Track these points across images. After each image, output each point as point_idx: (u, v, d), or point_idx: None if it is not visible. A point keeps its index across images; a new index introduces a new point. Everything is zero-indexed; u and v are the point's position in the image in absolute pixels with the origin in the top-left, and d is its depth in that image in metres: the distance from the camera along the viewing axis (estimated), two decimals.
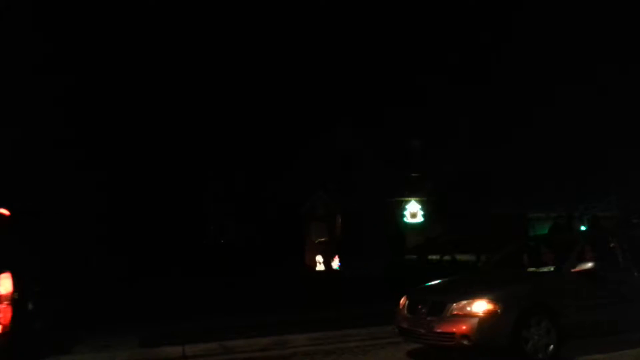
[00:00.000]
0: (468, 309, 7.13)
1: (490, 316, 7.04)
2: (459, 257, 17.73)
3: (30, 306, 8.12)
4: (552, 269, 8.13)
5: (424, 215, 26.20)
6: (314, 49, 27.29)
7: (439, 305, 7.42)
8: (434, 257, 21.76)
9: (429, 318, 7.42)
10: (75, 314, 11.95)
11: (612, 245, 8.51)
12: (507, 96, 24.78)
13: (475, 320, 7.03)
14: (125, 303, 12.28)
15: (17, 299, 7.40)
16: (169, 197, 30.21)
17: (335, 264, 19.79)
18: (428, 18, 26.91)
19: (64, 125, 20.76)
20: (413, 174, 26.03)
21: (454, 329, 7.12)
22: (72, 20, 21.34)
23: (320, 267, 20.07)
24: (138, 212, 28.34)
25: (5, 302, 7.24)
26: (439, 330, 7.27)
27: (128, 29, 22.76)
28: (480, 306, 7.09)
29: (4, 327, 7.16)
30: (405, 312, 7.89)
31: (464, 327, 7.05)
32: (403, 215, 26.27)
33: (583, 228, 17.06)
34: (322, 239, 21.81)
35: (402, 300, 8.15)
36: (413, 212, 25.87)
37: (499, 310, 7.07)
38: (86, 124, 21.99)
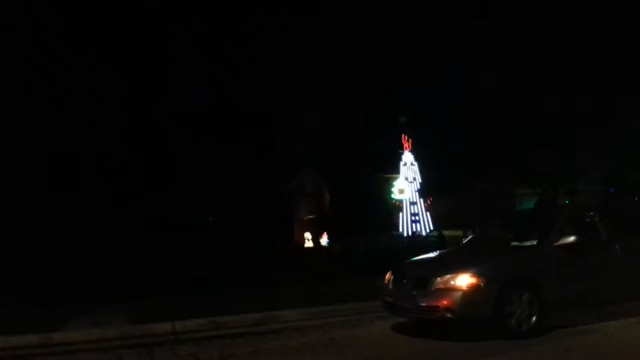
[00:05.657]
0: (452, 282, 7.23)
1: (473, 290, 7.14)
2: (446, 232, 17.91)
3: None
4: (534, 243, 8.25)
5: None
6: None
7: (423, 279, 7.52)
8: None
9: (413, 292, 7.52)
10: (63, 290, 12.02)
11: (594, 219, 8.65)
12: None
13: (459, 294, 7.14)
14: (112, 280, 12.30)
15: None
16: (159, 178, 30.20)
17: (324, 240, 19.91)
18: None
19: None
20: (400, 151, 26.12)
21: (438, 303, 7.22)
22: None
23: (308, 243, 20.19)
24: (133, 193, 28.40)
25: None
26: (423, 304, 7.38)
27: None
28: (464, 280, 7.20)
29: None
30: (391, 286, 8.00)
31: (447, 301, 7.15)
32: (391, 192, 26.42)
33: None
34: (311, 216, 21.91)
35: (388, 275, 8.26)
36: (401, 188, 26.02)
37: (482, 284, 7.17)
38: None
